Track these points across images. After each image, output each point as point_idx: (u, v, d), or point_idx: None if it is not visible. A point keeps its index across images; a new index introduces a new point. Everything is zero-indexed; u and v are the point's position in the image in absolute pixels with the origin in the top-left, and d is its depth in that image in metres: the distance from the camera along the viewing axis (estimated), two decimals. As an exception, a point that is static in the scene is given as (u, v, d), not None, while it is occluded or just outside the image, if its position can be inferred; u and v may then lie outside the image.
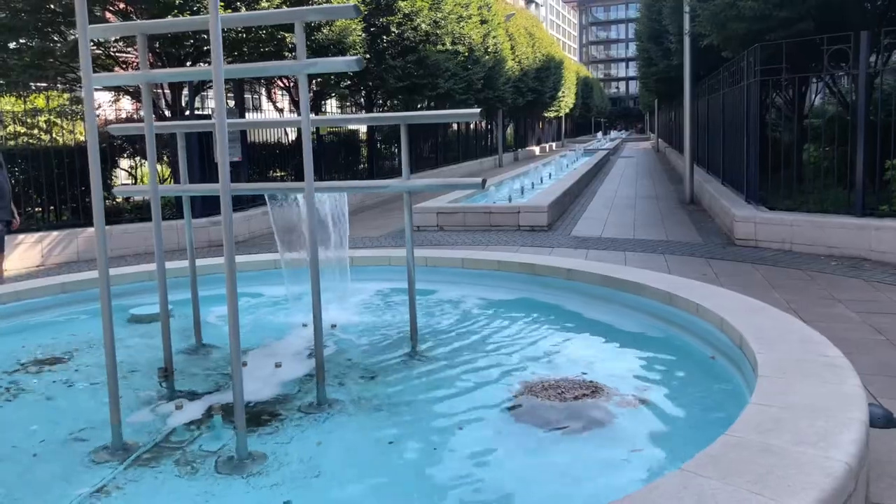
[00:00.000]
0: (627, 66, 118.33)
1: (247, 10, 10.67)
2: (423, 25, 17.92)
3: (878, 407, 3.56)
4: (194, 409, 3.54)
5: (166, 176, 11.68)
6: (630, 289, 4.98)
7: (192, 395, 3.76)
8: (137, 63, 11.62)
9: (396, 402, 3.63)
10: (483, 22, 23.81)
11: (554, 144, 56.12)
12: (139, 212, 10.93)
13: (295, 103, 17.39)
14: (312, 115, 3.75)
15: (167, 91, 12.11)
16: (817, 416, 2.48)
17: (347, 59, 3.34)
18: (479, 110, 4.13)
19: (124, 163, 12.05)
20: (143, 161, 11.98)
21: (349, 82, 17.54)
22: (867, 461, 2.52)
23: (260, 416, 3.46)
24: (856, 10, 9.13)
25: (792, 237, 8.50)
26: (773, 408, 2.56)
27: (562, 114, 52.54)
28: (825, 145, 9.57)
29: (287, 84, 17.20)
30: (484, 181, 3.93)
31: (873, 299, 6.09)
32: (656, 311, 4.71)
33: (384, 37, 17.09)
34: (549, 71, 38.92)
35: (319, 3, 12.03)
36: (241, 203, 11.54)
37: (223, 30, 2.88)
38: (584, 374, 3.90)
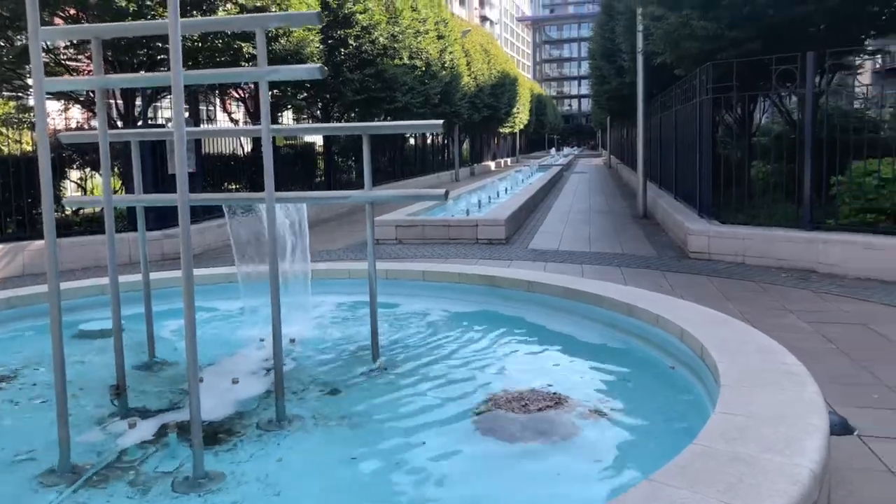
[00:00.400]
0: (580, 84, 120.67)
1: (202, 17, 10.49)
2: (381, 39, 17.95)
3: (833, 414, 3.64)
4: (148, 428, 3.41)
5: (117, 187, 11.35)
6: (591, 300, 5.02)
7: (146, 413, 3.63)
8: (89, 70, 11.33)
9: (358, 418, 3.56)
10: (440, 37, 24.01)
11: (509, 160, 56.69)
12: (89, 224, 10.58)
13: (251, 114, 17.17)
14: (272, 125, 3.68)
15: (119, 101, 11.81)
16: (780, 423, 2.52)
17: (309, 67, 3.29)
18: (441, 122, 4.11)
19: (74, 174, 11.67)
20: (93, 173, 11.62)
21: (305, 94, 17.40)
22: (829, 468, 2.57)
23: (217, 433, 3.35)
24: (802, 33, 9.46)
25: (744, 250, 8.71)
26: (738, 416, 2.59)
27: (516, 130, 53.21)
28: (773, 162, 9.86)
29: (242, 95, 16.98)
30: (447, 193, 3.91)
31: (822, 309, 6.26)
32: (617, 322, 4.75)
33: (342, 49, 17.03)
34: (504, 87, 39.45)
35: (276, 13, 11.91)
36: (195, 215, 11.28)
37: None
38: (549, 385, 3.89)
